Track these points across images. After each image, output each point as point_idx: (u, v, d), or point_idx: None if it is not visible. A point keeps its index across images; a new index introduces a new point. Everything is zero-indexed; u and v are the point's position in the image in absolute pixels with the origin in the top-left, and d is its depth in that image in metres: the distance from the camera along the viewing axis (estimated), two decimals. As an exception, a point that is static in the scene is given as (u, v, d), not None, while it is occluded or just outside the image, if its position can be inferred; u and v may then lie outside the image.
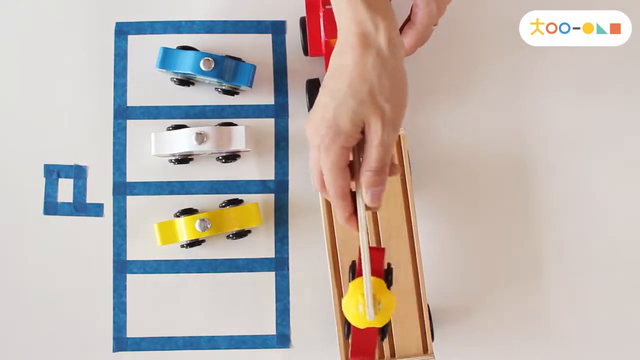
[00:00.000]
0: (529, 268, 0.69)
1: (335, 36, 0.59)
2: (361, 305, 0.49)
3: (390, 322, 0.52)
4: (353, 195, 0.51)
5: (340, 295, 0.63)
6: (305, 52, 0.67)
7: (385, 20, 0.48)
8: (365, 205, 0.50)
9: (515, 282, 0.69)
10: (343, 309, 0.51)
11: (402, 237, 0.64)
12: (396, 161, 0.64)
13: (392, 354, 0.63)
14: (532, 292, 0.69)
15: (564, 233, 0.69)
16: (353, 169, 0.51)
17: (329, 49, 0.64)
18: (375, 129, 0.48)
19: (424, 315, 0.63)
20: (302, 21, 0.67)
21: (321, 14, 0.64)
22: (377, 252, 0.52)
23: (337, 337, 0.63)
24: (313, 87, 0.66)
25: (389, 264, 0.53)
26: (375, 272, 0.50)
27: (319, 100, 0.50)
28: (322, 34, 0.64)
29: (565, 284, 0.69)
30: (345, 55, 0.49)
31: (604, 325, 0.69)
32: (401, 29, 0.62)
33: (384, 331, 0.52)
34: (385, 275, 0.52)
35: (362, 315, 0.50)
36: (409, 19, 0.61)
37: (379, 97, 0.48)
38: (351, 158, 0.51)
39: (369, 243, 0.50)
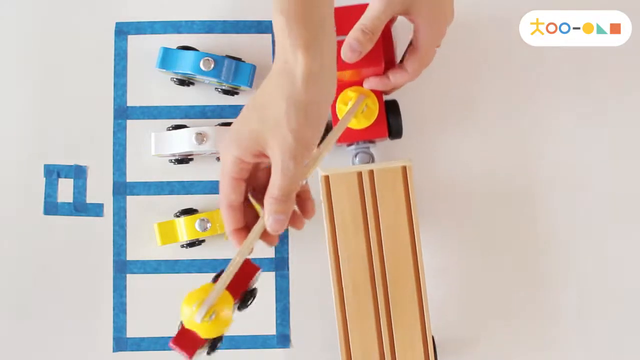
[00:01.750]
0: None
1: (338, 70, 0.59)
2: (196, 306, 0.49)
3: (222, 339, 0.50)
4: (249, 211, 0.51)
5: (341, 295, 0.63)
6: None
7: (306, 55, 0.46)
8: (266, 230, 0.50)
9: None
10: (183, 300, 0.49)
11: (407, 268, 0.63)
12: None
13: None
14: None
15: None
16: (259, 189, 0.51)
17: None
18: (273, 155, 0.48)
19: (429, 347, 0.62)
20: None
21: None
22: (250, 269, 0.51)
23: (338, 337, 0.63)
24: None
25: (255, 289, 0.53)
26: (235, 286, 0.50)
27: (242, 111, 0.50)
28: None
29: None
30: (268, 78, 0.49)
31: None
32: (404, 54, 0.63)
33: (214, 346, 0.50)
34: (244, 295, 0.51)
35: (189, 315, 0.49)
36: (411, 43, 0.61)
37: (283, 125, 0.46)
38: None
39: (244, 259, 0.50)
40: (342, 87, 0.64)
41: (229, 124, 0.67)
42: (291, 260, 0.69)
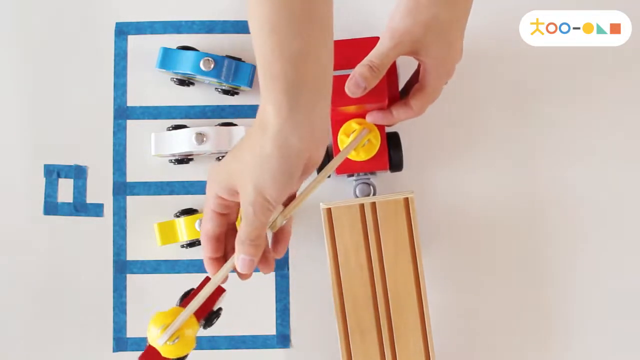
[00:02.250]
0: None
1: (342, 105, 0.59)
2: (161, 329, 0.51)
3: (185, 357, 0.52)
4: (231, 240, 0.52)
5: (340, 295, 0.63)
6: None
7: (277, 115, 0.46)
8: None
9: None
10: (150, 320, 0.52)
11: (410, 299, 0.63)
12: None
13: None
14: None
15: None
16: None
17: (336, 114, 0.63)
18: (241, 202, 0.49)
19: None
20: None
21: None
22: (216, 290, 0.52)
23: (338, 337, 0.63)
24: None
25: (220, 308, 0.54)
26: (201, 308, 0.51)
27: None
28: None
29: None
30: (254, 121, 0.48)
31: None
32: (407, 89, 0.62)
33: None
34: (209, 315, 0.53)
35: (155, 336, 0.51)
36: (416, 80, 0.61)
37: (247, 176, 0.47)
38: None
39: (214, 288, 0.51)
40: (345, 118, 0.63)
41: (229, 124, 0.67)
42: (291, 260, 0.69)
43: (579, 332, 0.68)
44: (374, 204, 0.64)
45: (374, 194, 0.66)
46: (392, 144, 0.65)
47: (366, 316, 0.63)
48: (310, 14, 0.46)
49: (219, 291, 0.53)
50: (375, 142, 0.63)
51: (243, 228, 0.49)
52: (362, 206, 0.64)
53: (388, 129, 0.65)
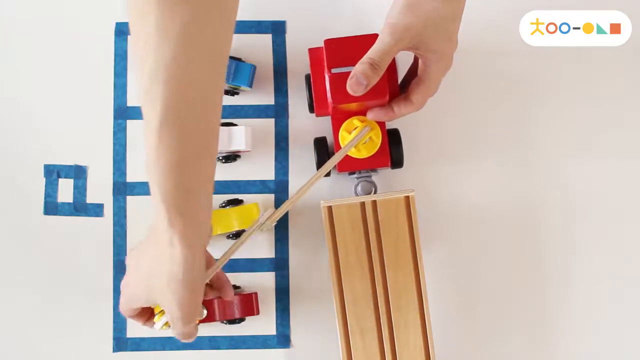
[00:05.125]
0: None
1: (343, 102, 0.59)
2: (158, 316, 0.59)
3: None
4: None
5: (340, 293, 0.63)
6: (311, 110, 0.65)
7: (183, 244, 0.50)
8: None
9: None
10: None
11: (411, 297, 0.63)
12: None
13: None
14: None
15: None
16: None
17: (336, 112, 0.63)
18: (168, 314, 0.54)
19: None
20: (307, 78, 0.65)
21: (327, 77, 0.62)
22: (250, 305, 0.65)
23: (338, 335, 0.63)
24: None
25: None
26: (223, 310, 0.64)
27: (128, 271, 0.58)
28: (329, 97, 0.62)
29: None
30: (147, 241, 0.55)
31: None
32: (405, 83, 0.62)
33: None
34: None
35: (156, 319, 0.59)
36: (414, 74, 0.61)
37: (168, 297, 0.52)
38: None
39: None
40: (346, 115, 0.63)
41: (229, 124, 0.67)
42: (291, 260, 0.69)
43: (579, 330, 0.68)
44: (374, 202, 0.64)
45: (376, 192, 0.66)
46: (392, 140, 0.65)
47: (366, 313, 0.63)
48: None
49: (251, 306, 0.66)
50: (377, 140, 0.63)
51: (175, 330, 0.55)
52: (362, 204, 0.64)
53: (388, 126, 0.65)
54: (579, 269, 0.69)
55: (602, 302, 0.69)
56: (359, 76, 0.56)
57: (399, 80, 0.65)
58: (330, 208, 0.64)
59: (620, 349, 0.69)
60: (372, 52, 0.57)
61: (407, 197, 0.64)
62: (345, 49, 0.60)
